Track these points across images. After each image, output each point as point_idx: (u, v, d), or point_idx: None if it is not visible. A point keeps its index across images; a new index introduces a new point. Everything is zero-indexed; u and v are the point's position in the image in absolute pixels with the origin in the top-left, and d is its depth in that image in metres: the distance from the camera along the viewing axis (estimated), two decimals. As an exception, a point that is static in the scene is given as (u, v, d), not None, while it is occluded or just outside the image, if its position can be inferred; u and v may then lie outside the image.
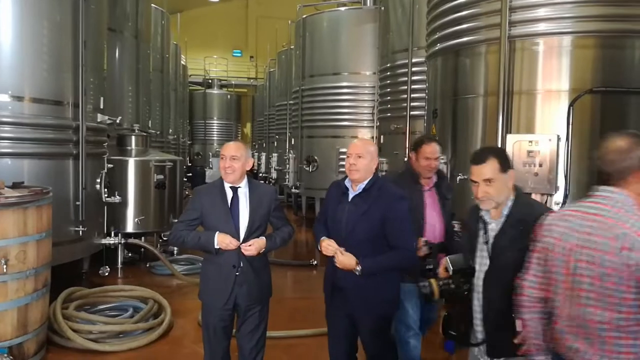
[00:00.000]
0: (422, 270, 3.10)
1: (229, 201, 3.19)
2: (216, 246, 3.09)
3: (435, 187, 3.80)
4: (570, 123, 4.71)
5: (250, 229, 3.17)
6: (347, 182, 3.15)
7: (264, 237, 3.20)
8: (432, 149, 3.71)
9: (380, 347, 3.16)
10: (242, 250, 3.11)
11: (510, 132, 4.95)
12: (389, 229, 3.00)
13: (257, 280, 3.21)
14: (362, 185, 3.07)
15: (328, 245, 3.01)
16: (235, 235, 3.14)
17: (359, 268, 2.93)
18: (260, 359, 3.35)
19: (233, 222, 3.15)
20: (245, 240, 3.15)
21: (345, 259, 2.94)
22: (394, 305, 3.19)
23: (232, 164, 3.14)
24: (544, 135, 4.77)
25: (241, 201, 3.21)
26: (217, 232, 3.10)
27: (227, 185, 3.22)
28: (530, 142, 4.79)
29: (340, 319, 3.17)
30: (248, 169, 3.24)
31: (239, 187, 3.22)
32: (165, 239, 8.95)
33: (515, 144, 4.84)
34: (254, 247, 3.12)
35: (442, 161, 5.61)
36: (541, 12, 4.92)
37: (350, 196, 3.11)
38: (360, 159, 3.03)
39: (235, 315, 3.31)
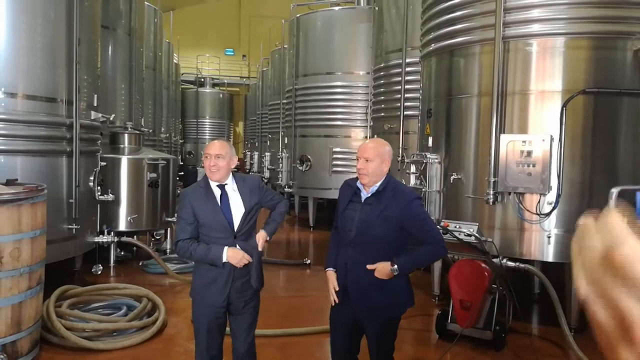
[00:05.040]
0: None
1: (218, 197, 3.20)
2: (224, 260, 3.11)
3: None
4: (563, 123, 4.76)
5: (245, 218, 3.20)
6: (358, 183, 3.09)
7: (262, 230, 3.29)
8: None
9: (386, 350, 3.16)
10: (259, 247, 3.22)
11: (504, 132, 4.99)
12: (412, 229, 2.99)
13: (251, 274, 3.22)
14: (374, 188, 3.02)
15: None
16: (228, 228, 3.16)
17: (395, 267, 2.91)
18: (253, 353, 3.37)
19: (224, 216, 3.17)
20: (240, 230, 3.18)
21: (380, 268, 2.93)
22: (400, 308, 3.15)
23: (217, 162, 3.14)
24: (538, 136, 4.82)
25: (231, 196, 3.22)
26: (226, 247, 3.11)
27: (213, 184, 3.23)
28: (524, 142, 4.83)
29: (347, 322, 3.15)
30: (233, 166, 3.26)
31: (226, 183, 3.23)
32: (157, 237, 8.93)
33: (509, 144, 4.88)
34: (259, 243, 3.23)
35: (436, 160, 5.65)
36: (535, 14, 4.97)
37: (363, 197, 3.06)
38: (368, 163, 2.96)
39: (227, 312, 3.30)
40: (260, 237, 3.26)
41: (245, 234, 3.21)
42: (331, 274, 3.16)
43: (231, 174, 3.27)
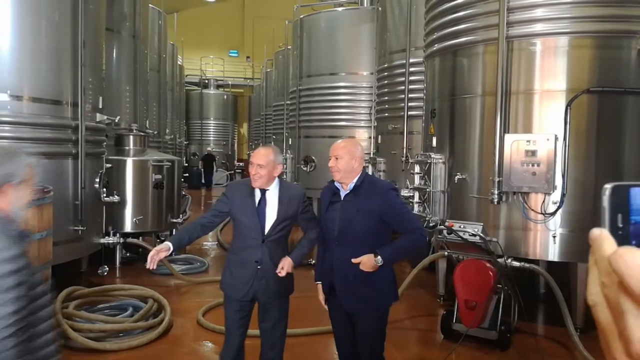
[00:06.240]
0: None
1: (257, 199, 3.27)
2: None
3: None
4: (568, 123, 4.76)
5: (275, 227, 3.26)
6: (337, 183, 3.20)
7: (288, 257, 3.28)
8: None
9: (375, 345, 3.18)
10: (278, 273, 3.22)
11: (508, 132, 4.99)
12: (391, 219, 3.08)
13: (276, 275, 3.26)
14: (352, 184, 3.13)
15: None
16: (259, 231, 3.23)
17: (378, 258, 2.96)
18: (279, 354, 3.42)
19: (259, 218, 3.25)
20: (269, 236, 3.25)
21: (365, 260, 2.97)
22: (385, 302, 3.21)
23: (259, 171, 3.21)
24: (542, 135, 4.81)
25: (270, 201, 3.28)
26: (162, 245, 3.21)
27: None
28: (528, 141, 4.83)
29: (342, 318, 3.23)
30: (276, 174, 3.29)
31: (268, 189, 3.29)
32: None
33: (513, 144, 4.88)
34: (284, 270, 3.21)
35: (440, 160, 5.65)
36: (538, 13, 4.97)
37: (342, 195, 3.16)
38: (338, 160, 3.09)
39: (255, 309, 3.41)
40: (286, 263, 3.23)
41: (275, 241, 3.28)
42: (320, 287, 3.33)
43: (277, 180, 3.33)
